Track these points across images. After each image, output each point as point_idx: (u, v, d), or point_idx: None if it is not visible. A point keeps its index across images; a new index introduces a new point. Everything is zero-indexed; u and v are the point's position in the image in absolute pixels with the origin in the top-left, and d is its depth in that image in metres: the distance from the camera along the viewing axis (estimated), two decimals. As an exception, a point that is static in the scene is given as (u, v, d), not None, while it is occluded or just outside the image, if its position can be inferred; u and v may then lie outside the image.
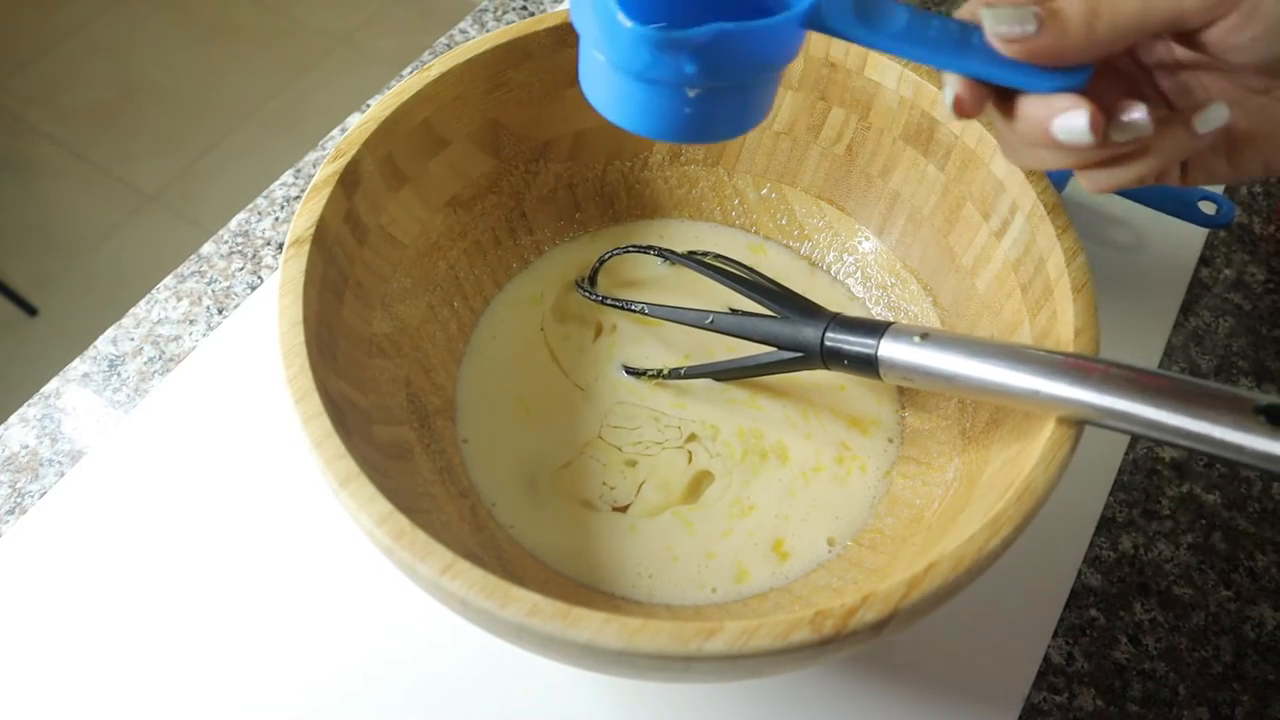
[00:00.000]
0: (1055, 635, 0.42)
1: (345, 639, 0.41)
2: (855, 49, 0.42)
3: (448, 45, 0.63)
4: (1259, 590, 0.44)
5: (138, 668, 0.40)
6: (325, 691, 0.39)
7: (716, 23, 0.27)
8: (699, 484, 0.42)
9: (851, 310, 0.44)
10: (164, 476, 0.45)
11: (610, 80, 0.29)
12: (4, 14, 1.72)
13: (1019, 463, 0.32)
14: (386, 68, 1.63)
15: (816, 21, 0.28)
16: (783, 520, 0.41)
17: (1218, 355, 0.52)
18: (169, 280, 0.52)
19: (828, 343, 0.38)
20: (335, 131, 0.58)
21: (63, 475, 0.45)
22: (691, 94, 0.28)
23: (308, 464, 0.37)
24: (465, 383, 0.44)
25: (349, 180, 0.38)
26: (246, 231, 0.54)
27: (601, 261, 0.46)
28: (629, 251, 0.46)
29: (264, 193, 0.55)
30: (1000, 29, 0.27)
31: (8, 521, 0.44)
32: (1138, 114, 0.27)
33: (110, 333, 0.50)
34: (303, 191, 0.53)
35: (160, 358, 0.49)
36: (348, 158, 0.38)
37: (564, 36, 0.42)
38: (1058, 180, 0.52)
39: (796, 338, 0.39)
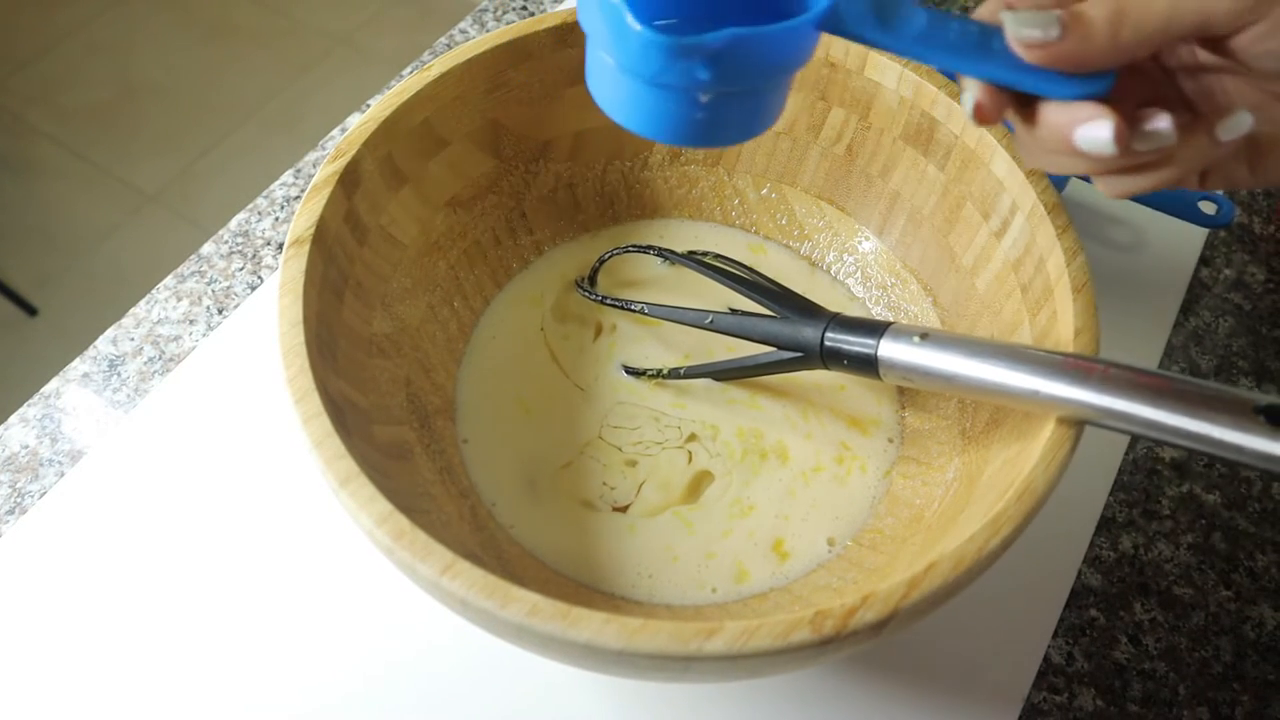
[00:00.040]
0: (1055, 635, 0.42)
1: (345, 639, 0.41)
2: (855, 49, 0.42)
3: (448, 45, 0.63)
4: (1259, 590, 0.44)
5: (138, 668, 0.40)
6: (325, 691, 0.39)
7: (731, 27, 0.26)
8: (699, 484, 0.42)
9: (851, 310, 0.44)
10: (164, 476, 0.45)
11: (618, 83, 0.28)
12: (4, 14, 1.72)
13: (1019, 463, 0.32)
14: (386, 68, 1.63)
15: (833, 24, 0.27)
16: (783, 520, 0.41)
17: (1218, 355, 0.52)
18: (169, 280, 0.52)
19: (827, 343, 0.38)
20: (335, 131, 0.58)
21: (63, 475, 0.45)
22: (703, 99, 0.28)
23: (308, 464, 0.37)
24: (465, 383, 0.44)
25: (349, 180, 0.38)
26: (246, 231, 0.54)
27: (601, 261, 0.46)
28: (629, 251, 0.46)
29: (264, 193, 0.55)
30: (1023, 33, 0.26)
31: (8, 521, 0.44)
32: (1162, 123, 0.26)
33: (110, 333, 0.50)
34: (303, 191, 0.53)
35: (160, 358, 0.49)
36: (348, 158, 0.38)
37: (564, 36, 0.42)
38: (1058, 180, 0.52)
39: (796, 338, 0.39)
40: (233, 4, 1.76)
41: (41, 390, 0.48)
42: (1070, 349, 0.34)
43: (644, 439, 0.43)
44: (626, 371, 0.44)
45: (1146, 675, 0.42)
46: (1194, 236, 0.56)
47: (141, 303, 0.51)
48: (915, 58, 0.28)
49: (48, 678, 0.40)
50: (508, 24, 0.54)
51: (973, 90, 0.28)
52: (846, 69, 0.43)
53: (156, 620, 0.41)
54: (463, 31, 0.64)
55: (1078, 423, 0.31)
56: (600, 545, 0.40)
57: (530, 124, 0.45)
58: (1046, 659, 0.42)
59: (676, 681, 0.30)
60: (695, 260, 0.44)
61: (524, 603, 0.27)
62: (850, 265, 0.47)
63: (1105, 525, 0.45)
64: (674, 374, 0.44)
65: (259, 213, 0.54)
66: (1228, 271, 0.55)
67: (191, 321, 0.50)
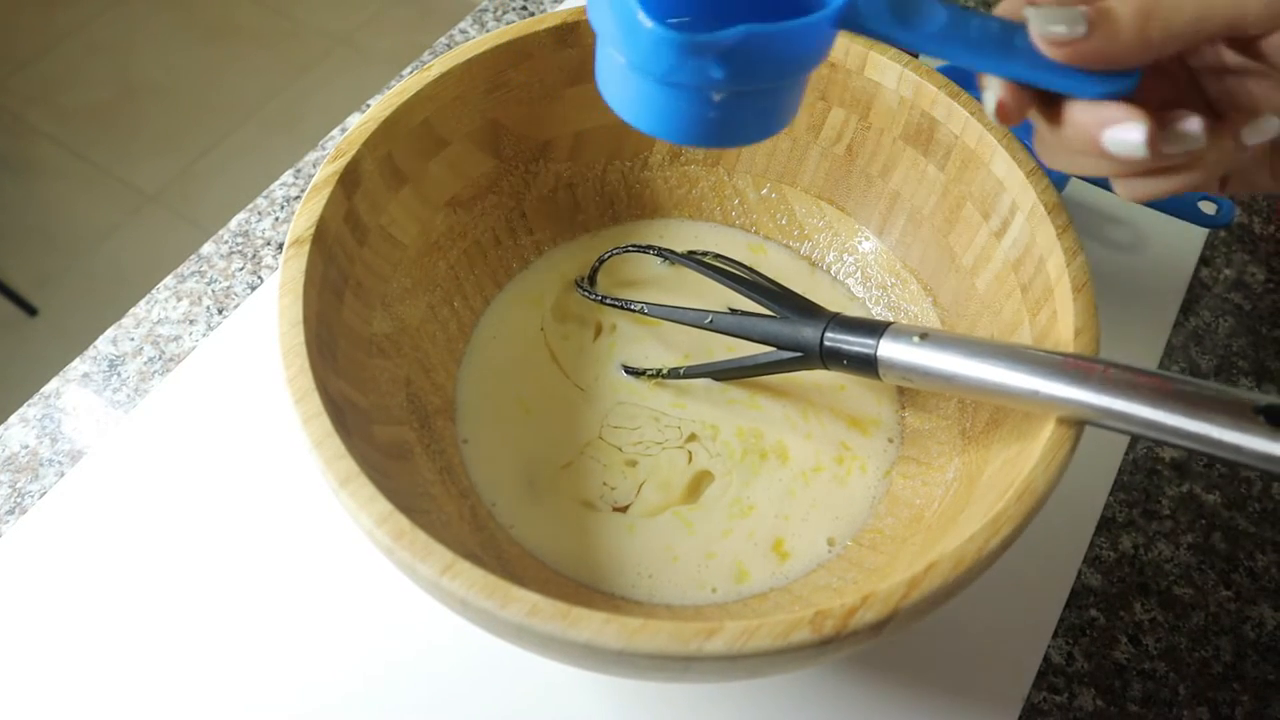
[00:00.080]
0: (1055, 635, 0.42)
1: (345, 639, 0.41)
2: (855, 49, 0.42)
3: (448, 45, 0.63)
4: (1259, 590, 0.44)
5: (138, 668, 0.40)
6: (325, 691, 0.39)
7: (745, 24, 0.25)
8: (699, 484, 0.42)
9: (851, 310, 0.44)
10: (164, 476, 0.45)
11: (629, 82, 0.28)
12: (4, 14, 1.72)
13: (1019, 463, 0.32)
14: (386, 68, 1.63)
15: (851, 21, 0.26)
16: (783, 520, 0.41)
17: (1218, 355, 0.52)
18: (169, 280, 0.52)
19: (827, 343, 0.38)
20: (335, 131, 0.58)
21: (63, 475, 0.45)
22: (716, 98, 0.27)
23: (308, 464, 0.37)
24: (465, 383, 0.44)
25: (349, 180, 0.38)
26: (246, 231, 0.54)
27: (601, 261, 0.46)
28: (629, 251, 0.46)
29: (264, 193, 0.55)
30: (1047, 30, 0.25)
31: (8, 521, 0.44)
32: (1193, 125, 0.26)
33: (110, 333, 0.50)
34: (303, 191, 0.53)
35: (160, 358, 0.49)
36: (348, 158, 0.38)
37: (564, 36, 0.42)
38: (1058, 180, 0.52)
39: (796, 338, 0.39)
40: (233, 4, 1.76)
41: (41, 390, 0.48)
42: (1070, 349, 0.34)
43: (644, 439, 0.43)
44: (626, 371, 0.44)
45: (1146, 675, 0.42)
46: (1194, 236, 0.56)
47: (141, 303, 0.51)
48: (935, 55, 0.27)
49: (48, 678, 0.40)
50: (508, 24, 0.54)
51: (994, 88, 0.27)
52: (846, 69, 0.43)
53: (157, 620, 0.41)
54: (463, 31, 0.64)
55: (1078, 423, 0.31)
56: (600, 545, 0.40)
57: (530, 124, 0.45)
58: (1046, 659, 0.42)
59: (676, 681, 0.30)
60: (695, 260, 0.44)
61: (524, 603, 0.27)
62: (850, 265, 0.47)
63: (1105, 525, 0.45)
64: (674, 374, 0.44)
65: (259, 213, 0.54)
66: (1228, 271, 0.55)
67: (191, 321, 0.50)
